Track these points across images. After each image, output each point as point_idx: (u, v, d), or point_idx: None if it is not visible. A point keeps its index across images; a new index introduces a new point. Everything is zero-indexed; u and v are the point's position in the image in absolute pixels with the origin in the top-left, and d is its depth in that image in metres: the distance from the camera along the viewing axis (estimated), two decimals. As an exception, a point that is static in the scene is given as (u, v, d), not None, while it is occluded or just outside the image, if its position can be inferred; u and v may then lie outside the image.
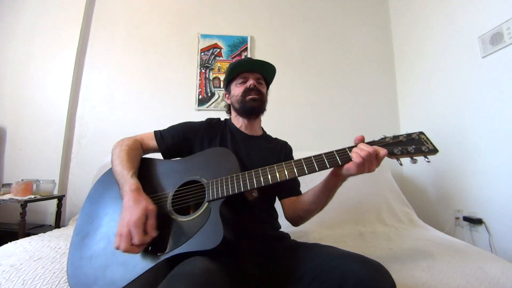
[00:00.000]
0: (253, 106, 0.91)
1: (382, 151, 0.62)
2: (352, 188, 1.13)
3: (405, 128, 2.09)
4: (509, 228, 1.26)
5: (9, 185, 1.59)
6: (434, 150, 0.63)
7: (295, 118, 2.08)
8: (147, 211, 0.63)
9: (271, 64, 0.95)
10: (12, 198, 1.48)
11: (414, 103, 2.00)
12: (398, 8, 2.21)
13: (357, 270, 0.54)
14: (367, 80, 2.18)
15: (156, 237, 0.62)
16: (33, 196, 1.53)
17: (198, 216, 0.65)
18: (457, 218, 1.53)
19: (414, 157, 0.64)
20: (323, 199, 0.75)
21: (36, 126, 1.89)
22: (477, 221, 1.39)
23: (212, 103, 2.03)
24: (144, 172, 0.78)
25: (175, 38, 2.11)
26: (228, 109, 1.04)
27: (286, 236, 0.87)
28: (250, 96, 0.90)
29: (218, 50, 2.11)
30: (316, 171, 0.63)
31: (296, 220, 0.86)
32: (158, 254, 0.61)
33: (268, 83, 1.02)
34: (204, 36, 2.11)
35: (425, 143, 0.64)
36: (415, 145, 0.64)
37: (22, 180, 1.58)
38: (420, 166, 1.92)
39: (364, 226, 1.37)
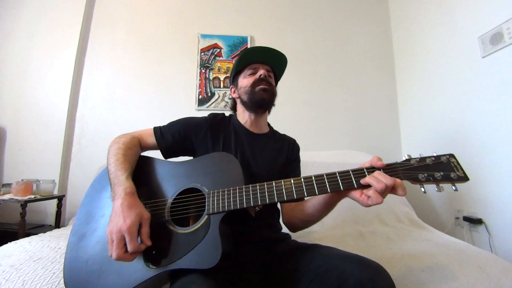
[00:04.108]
0: (263, 98, 0.86)
1: (402, 191, 0.56)
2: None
3: (405, 128, 2.09)
4: (509, 228, 1.26)
5: (9, 185, 1.59)
6: (464, 178, 0.55)
7: (294, 118, 2.08)
8: (141, 218, 0.60)
9: (283, 54, 0.90)
10: (12, 198, 1.47)
11: (414, 103, 2.00)
12: (398, 8, 2.21)
13: (355, 271, 0.53)
14: (367, 80, 2.18)
15: (153, 247, 0.60)
16: (33, 196, 1.53)
17: (196, 229, 0.62)
18: (457, 218, 1.53)
19: (441, 185, 0.56)
20: (323, 213, 0.73)
21: (36, 126, 1.89)
22: (477, 221, 1.39)
23: (212, 103, 2.03)
24: (142, 173, 0.75)
25: (175, 38, 2.11)
26: (232, 105, 0.99)
27: (286, 237, 0.85)
28: (260, 86, 0.85)
29: (218, 50, 2.11)
30: (327, 192, 0.60)
31: (293, 227, 0.84)
32: (154, 267, 0.59)
33: (277, 78, 0.97)
34: (204, 36, 2.11)
35: (454, 168, 0.56)
36: (443, 170, 0.56)
37: (22, 180, 1.58)
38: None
39: (364, 226, 1.37)
